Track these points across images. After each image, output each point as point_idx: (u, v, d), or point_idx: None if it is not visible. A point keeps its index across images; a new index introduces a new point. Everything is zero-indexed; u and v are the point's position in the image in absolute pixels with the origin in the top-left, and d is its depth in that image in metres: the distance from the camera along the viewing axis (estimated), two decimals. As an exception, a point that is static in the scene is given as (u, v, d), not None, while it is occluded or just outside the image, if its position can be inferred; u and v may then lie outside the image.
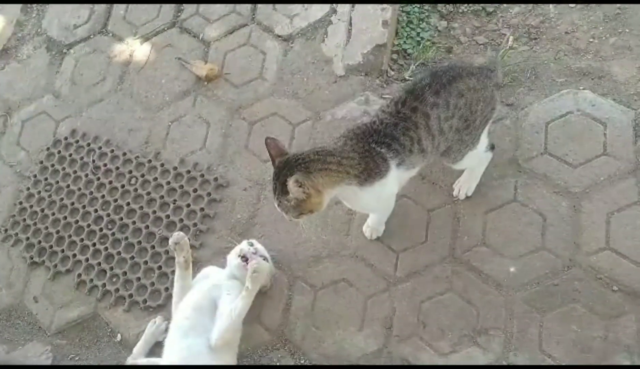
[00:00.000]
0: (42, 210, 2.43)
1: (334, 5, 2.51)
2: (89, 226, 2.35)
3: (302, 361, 1.96)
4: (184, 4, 2.73)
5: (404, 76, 2.36)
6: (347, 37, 2.44)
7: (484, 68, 1.74)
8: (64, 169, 2.49)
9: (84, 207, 2.39)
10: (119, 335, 2.16)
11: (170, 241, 1.93)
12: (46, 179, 2.50)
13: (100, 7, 2.84)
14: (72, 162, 2.51)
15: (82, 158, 2.49)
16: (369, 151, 1.61)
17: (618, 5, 2.34)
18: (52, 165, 2.52)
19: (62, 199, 2.43)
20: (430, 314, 1.93)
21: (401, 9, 2.52)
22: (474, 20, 2.50)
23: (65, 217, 2.39)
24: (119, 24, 2.78)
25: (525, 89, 2.24)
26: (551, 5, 2.43)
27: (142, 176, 2.39)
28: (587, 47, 2.30)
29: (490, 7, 2.49)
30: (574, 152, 2.05)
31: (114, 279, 2.23)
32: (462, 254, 1.98)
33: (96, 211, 2.36)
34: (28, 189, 2.50)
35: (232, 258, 1.95)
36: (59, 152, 2.54)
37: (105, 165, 2.45)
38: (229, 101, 2.45)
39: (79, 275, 2.27)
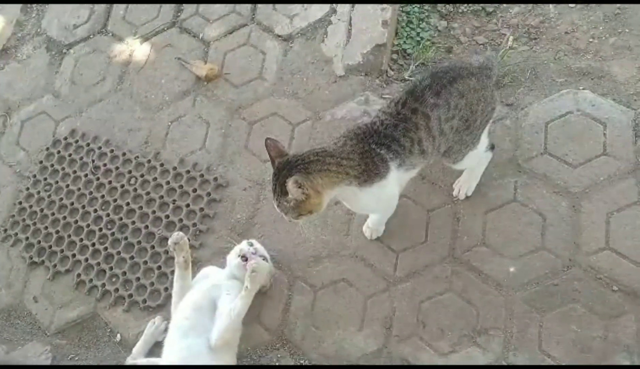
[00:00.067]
0: (42, 210, 2.43)
1: (334, 5, 2.51)
2: (88, 226, 2.35)
3: (301, 361, 1.96)
4: (183, 4, 2.73)
5: (404, 76, 2.36)
6: (347, 37, 2.44)
7: (483, 67, 1.73)
8: (63, 169, 2.49)
9: (83, 207, 2.39)
10: (118, 335, 2.15)
11: (170, 241, 1.94)
12: (46, 179, 2.49)
13: (100, 7, 2.84)
14: (72, 162, 2.50)
15: (81, 158, 2.49)
16: (368, 151, 1.61)
17: (618, 5, 2.35)
18: (52, 165, 2.52)
19: (61, 199, 2.43)
20: (430, 314, 1.93)
21: (401, 9, 2.52)
22: (473, 20, 2.50)
23: (64, 217, 2.39)
24: (119, 24, 2.78)
25: (525, 89, 2.24)
26: (551, 5, 2.43)
27: (142, 176, 2.39)
28: (587, 47, 2.30)
29: (490, 7, 2.49)
30: (574, 152, 2.05)
31: (114, 279, 2.23)
32: (462, 254, 1.98)
33: (96, 211, 2.36)
34: (27, 189, 2.49)
35: (232, 258, 1.95)
36: (59, 152, 2.54)
37: (104, 165, 2.44)
38: (229, 100, 2.45)
39: (79, 275, 2.27)
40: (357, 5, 2.48)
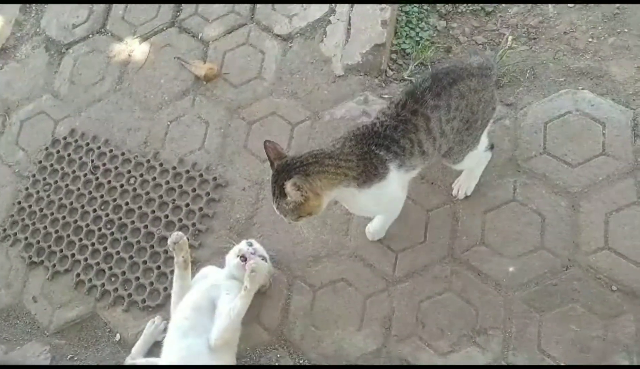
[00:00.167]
0: (41, 210, 2.43)
1: (333, 5, 2.51)
2: (87, 225, 2.34)
3: (301, 361, 1.96)
4: (182, 4, 2.72)
5: (403, 76, 2.36)
6: (346, 37, 2.44)
7: (483, 67, 1.73)
8: (62, 168, 2.49)
9: (82, 207, 2.38)
10: (117, 335, 2.15)
11: (169, 240, 1.94)
12: (45, 178, 2.49)
13: (99, 7, 2.84)
14: (71, 162, 2.50)
15: (80, 158, 2.49)
16: (367, 153, 1.61)
17: (617, 5, 2.35)
18: (51, 165, 2.51)
19: (60, 199, 2.42)
20: (429, 314, 1.93)
21: (400, 8, 2.52)
22: (472, 20, 2.50)
23: (64, 217, 2.39)
24: (118, 23, 2.78)
25: (524, 89, 2.24)
26: (550, 5, 2.43)
27: (141, 175, 2.39)
28: (586, 47, 2.30)
29: (489, 7, 2.49)
30: (573, 152, 2.05)
31: (113, 279, 2.23)
32: (461, 254, 1.98)
33: (95, 210, 2.36)
34: (27, 188, 2.49)
35: (231, 258, 1.95)
36: (58, 152, 2.53)
37: (104, 165, 2.44)
38: (228, 100, 2.45)
39: (78, 275, 2.27)
40: (356, 5, 2.48)
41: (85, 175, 2.45)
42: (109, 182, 2.40)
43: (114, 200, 2.36)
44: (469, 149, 1.78)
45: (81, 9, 2.87)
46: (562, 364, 1.79)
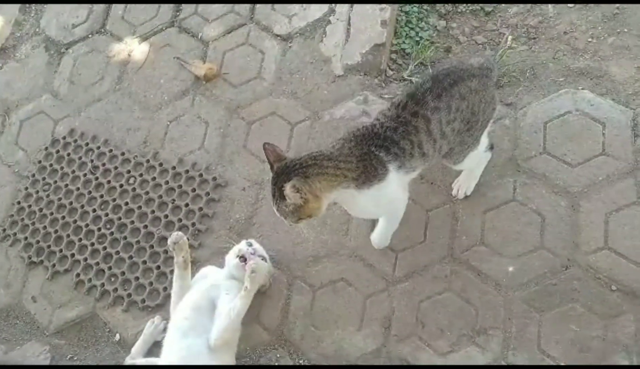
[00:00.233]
0: (41, 210, 2.43)
1: (333, 5, 2.51)
2: (87, 225, 2.34)
3: (300, 361, 1.96)
4: (182, 4, 2.72)
5: (403, 76, 2.36)
6: (346, 36, 2.44)
7: (484, 68, 1.73)
8: (62, 168, 2.49)
9: (82, 207, 2.38)
10: (117, 335, 2.15)
11: (170, 240, 1.93)
12: (44, 178, 2.49)
13: (99, 7, 2.84)
14: (71, 161, 2.50)
15: (80, 158, 2.49)
16: (367, 154, 1.60)
17: (616, 5, 2.35)
18: (51, 165, 2.51)
19: (60, 199, 2.42)
20: (429, 313, 1.93)
21: (400, 8, 2.52)
22: (472, 20, 2.50)
23: (63, 217, 2.38)
24: (118, 23, 2.77)
25: (524, 88, 2.24)
26: (550, 5, 2.43)
27: (141, 175, 2.38)
28: (586, 47, 2.30)
29: (488, 7, 2.49)
30: (573, 152, 2.05)
31: (113, 279, 2.23)
32: (461, 254, 1.98)
33: (94, 210, 2.36)
34: (26, 188, 2.49)
35: (231, 258, 1.95)
36: (57, 151, 2.53)
37: (103, 165, 2.44)
38: (228, 100, 2.45)
39: (78, 275, 2.27)
40: (356, 5, 2.48)
41: (84, 175, 2.44)
42: (109, 182, 2.40)
43: (114, 200, 2.36)
44: (470, 150, 1.78)
45: (81, 8, 2.87)
46: (562, 364, 1.79)
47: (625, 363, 1.75)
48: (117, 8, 2.81)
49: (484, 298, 1.91)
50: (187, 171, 2.34)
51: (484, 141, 1.84)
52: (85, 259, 2.28)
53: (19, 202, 2.47)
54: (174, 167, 2.36)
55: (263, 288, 2.01)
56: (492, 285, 1.92)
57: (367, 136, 1.63)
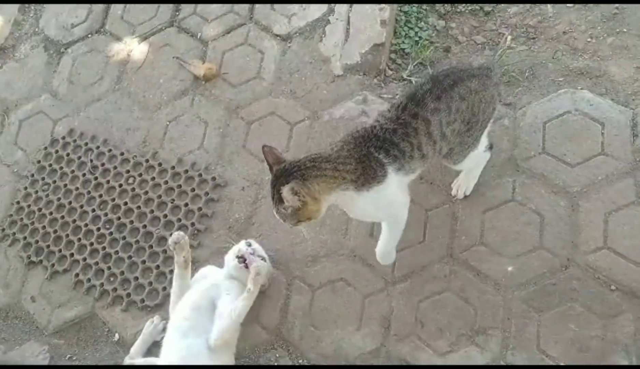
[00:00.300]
0: (40, 209, 2.43)
1: (332, 5, 2.51)
2: (86, 225, 2.34)
3: (300, 361, 1.96)
4: (181, 4, 2.72)
5: (402, 76, 2.36)
6: (345, 36, 2.44)
7: (483, 68, 1.73)
8: (61, 168, 2.49)
9: (81, 206, 2.38)
10: (116, 335, 2.15)
11: (170, 240, 1.93)
12: (43, 178, 2.49)
13: (98, 7, 2.84)
14: (70, 161, 2.50)
15: (79, 158, 2.49)
16: (366, 155, 1.59)
17: (616, 5, 2.35)
18: (50, 164, 2.51)
19: (59, 199, 2.42)
20: (428, 313, 1.93)
21: (399, 8, 2.52)
22: (472, 19, 2.50)
23: (62, 217, 2.38)
24: (117, 23, 2.77)
25: (523, 88, 2.24)
26: (549, 5, 2.43)
27: (140, 175, 2.38)
28: (585, 47, 2.30)
29: (488, 7, 2.49)
30: (572, 152, 2.05)
31: (112, 279, 2.23)
32: (460, 254, 1.98)
33: (94, 210, 2.36)
34: (25, 188, 2.49)
35: (230, 258, 1.95)
36: (57, 151, 2.53)
37: (102, 164, 2.44)
38: (227, 100, 2.45)
39: (77, 275, 2.27)
40: (355, 5, 2.48)
41: (84, 175, 2.44)
42: (108, 182, 2.40)
43: (113, 200, 2.36)
44: (470, 150, 1.77)
45: (80, 8, 2.86)
46: (562, 364, 1.79)
47: (625, 362, 1.75)
48: (117, 8, 2.81)
49: (483, 298, 1.91)
50: (186, 171, 2.34)
51: (484, 140, 1.84)
52: (85, 259, 2.28)
53: (18, 202, 2.47)
54: (173, 167, 2.36)
55: (262, 288, 2.01)
56: (491, 285, 1.92)
57: (366, 137, 1.62)
